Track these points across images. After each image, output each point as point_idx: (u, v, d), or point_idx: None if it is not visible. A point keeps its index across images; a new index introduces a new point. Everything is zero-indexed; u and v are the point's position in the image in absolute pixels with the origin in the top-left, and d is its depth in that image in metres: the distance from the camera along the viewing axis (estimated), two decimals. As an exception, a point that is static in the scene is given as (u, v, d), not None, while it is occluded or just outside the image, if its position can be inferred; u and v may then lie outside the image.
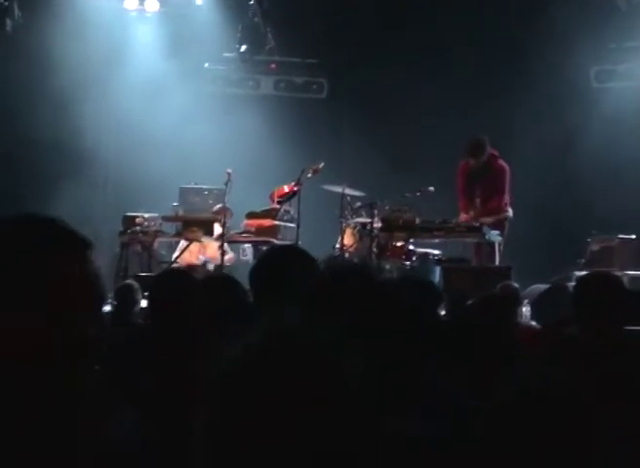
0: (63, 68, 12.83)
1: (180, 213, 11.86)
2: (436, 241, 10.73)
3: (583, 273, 10.74)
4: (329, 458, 1.29)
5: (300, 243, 10.54)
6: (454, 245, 10.93)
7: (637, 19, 13.14)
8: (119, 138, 13.85)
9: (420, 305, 3.53)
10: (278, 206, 11.26)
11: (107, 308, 7.32)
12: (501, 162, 10.47)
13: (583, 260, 11.25)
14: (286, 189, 11.16)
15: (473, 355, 3.58)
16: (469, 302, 4.93)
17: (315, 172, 10.99)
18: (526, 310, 8.43)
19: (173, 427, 2.71)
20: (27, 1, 13.03)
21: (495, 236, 10.26)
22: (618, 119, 12.74)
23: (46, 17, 12.80)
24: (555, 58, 12.89)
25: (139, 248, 11.36)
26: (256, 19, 13.97)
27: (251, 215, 11.40)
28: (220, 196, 11.40)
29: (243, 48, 14.02)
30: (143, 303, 6.50)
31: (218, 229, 11.09)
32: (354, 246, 11.08)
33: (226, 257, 11.11)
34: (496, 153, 10.51)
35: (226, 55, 14.34)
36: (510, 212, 10.59)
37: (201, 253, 11.49)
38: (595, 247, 11.39)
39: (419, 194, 10.67)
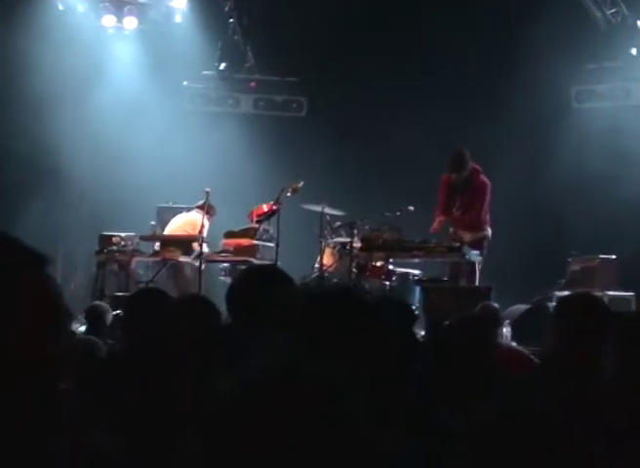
0: (40, 85, 12.77)
1: (158, 232, 11.82)
2: (416, 261, 10.73)
3: (564, 293, 10.81)
4: None
5: (279, 262, 10.52)
6: (433, 264, 10.93)
7: (616, 40, 13.26)
8: (96, 156, 13.79)
9: (396, 325, 3.51)
10: (257, 225, 11.24)
11: (81, 328, 7.30)
12: (483, 177, 10.50)
13: (564, 280, 11.29)
14: (265, 208, 11.14)
15: (452, 376, 3.56)
16: (447, 322, 4.92)
17: (294, 191, 10.98)
18: (506, 331, 8.45)
19: (150, 448, 2.68)
20: (4, 16, 12.98)
21: (475, 256, 10.28)
22: (597, 140, 12.83)
23: (23, 33, 12.75)
24: (536, 79, 12.98)
25: (115, 267, 11.30)
26: (235, 37, 14.00)
27: (229, 235, 11.37)
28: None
29: (222, 66, 14.04)
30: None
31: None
32: (334, 265, 11.07)
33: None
34: (478, 168, 10.53)
35: (206, 72, 14.35)
36: (489, 231, 10.60)
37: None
38: (576, 267, 11.44)
39: (398, 214, 10.69)
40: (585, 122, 13.15)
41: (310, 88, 14.45)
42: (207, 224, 11.23)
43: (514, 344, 7.71)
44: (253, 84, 14.57)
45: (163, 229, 11.99)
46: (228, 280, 10.84)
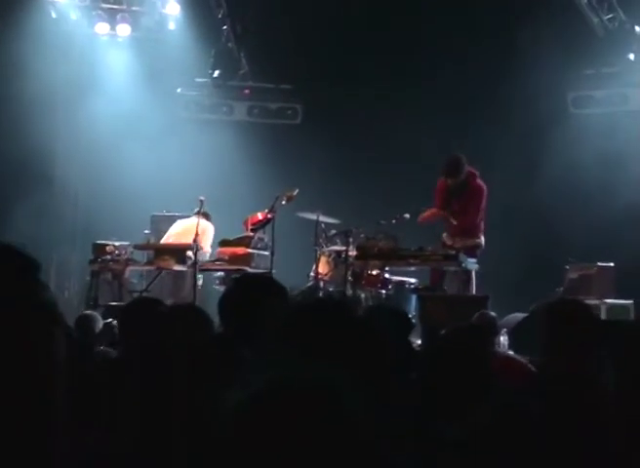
0: (33, 93, 12.81)
1: (152, 241, 11.83)
2: (412, 269, 10.75)
3: (553, 301, 10.83)
4: None
5: (274, 271, 10.54)
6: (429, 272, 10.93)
7: (614, 45, 13.31)
8: (89, 164, 13.81)
9: (391, 334, 3.54)
10: (252, 233, 11.25)
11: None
12: (479, 181, 10.49)
13: (562, 289, 11.30)
14: (260, 216, 11.16)
15: (448, 384, 3.59)
16: (444, 331, 4.94)
17: (289, 199, 11.00)
18: (504, 339, 8.47)
19: (145, 453, 2.71)
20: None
21: (471, 264, 10.28)
22: (594, 145, 12.85)
23: (16, 41, 12.79)
24: (533, 84, 13.01)
25: (109, 276, 11.31)
26: (229, 44, 14.05)
27: (224, 243, 11.39)
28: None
29: (216, 73, 14.09)
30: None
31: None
32: (329, 274, 11.09)
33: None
34: (475, 172, 10.52)
35: (199, 80, 14.39)
36: (482, 239, 10.58)
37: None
38: (573, 275, 11.45)
39: (394, 221, 10.68)
40: (582, 128, 13.17)
41: (305, 95, 14.48)
42: (211, 231, 11.33)
43: (512, 353, 7.72)
44: (247, 91, 14.61)
45: (157, 238, 12.00)
46: (223, 289, 10.86)
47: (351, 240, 10.76)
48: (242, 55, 14.08)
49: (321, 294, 10.81)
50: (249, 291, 3.61)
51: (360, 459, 1.33)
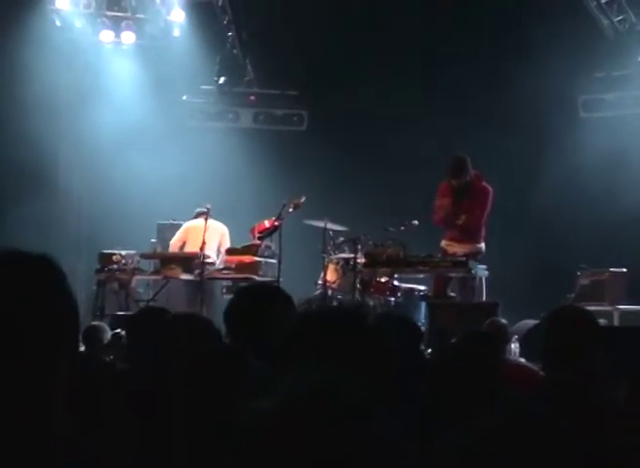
0: (38, 101, 12.88)
1: (158, 249, 11.86)
2: (421, 276, 10.73)
3: (553, 309, 10.81)
4: None
5: (281, 279, 10.57)
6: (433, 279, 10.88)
7: (625, 48, 13.31)
8: (94, 172, 13.87)
9: (400, 343, 3.55)
10: (259, 241, 11.28)
11: (80, 348, 7.37)
12: (485, 183, 10.40)
13: (573, 295, 11.27)
14: (267, 224, 11.18)
15: (459, 392, 3.61)
16: (454, 339, 4.97)
17: (296, 206, 11.01)
18: (515, 346, 8.47)
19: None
20: (0, 34, 13.09)
21: (481, 270, 10.26)
22: (606, 149, 12.84)
23: (21, 49, 12.87)
24: (542, 88, 13.02)
25: (115, 286, 11.34)
26: (234, 51, 14.10)
27: (231, 252, 11.42)
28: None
29: (221, 80, 14.13)
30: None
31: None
32: (337, 282, 11.10)
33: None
34: (480, 174, 10.45)
35: (205, 87, 14.44)
36: (484, 246, 10.48)
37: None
38: (585, 281, 11.42)
39: (403, 228, 10.68)
40: (593, 131, 13.17)
41: (311, 101, 14.51)
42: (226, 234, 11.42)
43: (523, 360, 7.73)
44: (252, 98, 14.65)
45: (163, 246, 12.04)
46: (230, 297, 10.87)
47: (359, 247, 10.76)
48: (247, 61, 14.13)
49: (331, 302, 10.82)
50: (255, 300, 3.64)
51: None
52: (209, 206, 10.97)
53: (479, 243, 10.35)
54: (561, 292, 11.32)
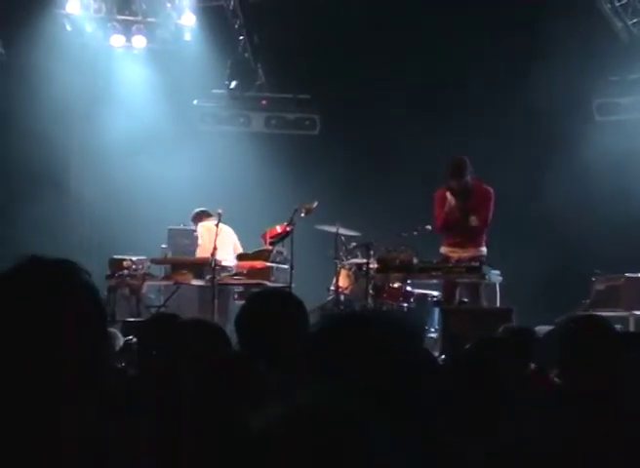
0: (48, 105, 12.94)
1: (169, 255, 11.87)
2: (434, 281, 10.70)
3: (568, 316, 10.76)
4: None
5: (293, 285, 10.56)
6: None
7: (639, 51, 13.29)
8: (105, 177, 13.92)
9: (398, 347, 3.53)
10: (270, 247, 11.28)
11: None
12: (486, 186, 10.37)
13: (589, 301, 11.23)
14: (278, 229, 11.18)
15: (473, 400, 3.60)
16: (468, 345, 4.95)
17: (308, 211, 11.01)
18: (529, 353, 8.43)
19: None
20: (11, 38, 13.16)
21: (495, 276, 10.23)
22: (622, 153, 12.82)
23: (32, 55, 12.93)
24: (556, 92, 12.99)
25: (126, 291, 11.35)
26: (246, 55, 14.12)
27: (242, 257, 11.43)
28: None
29: (233, 84, 14.15)
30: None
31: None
32: (350, 288, 11.09)
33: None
34: (480, 178, 10.40)
35: (216, 91, 14.45)
36: (485, 250, 10.42)
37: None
38: (600, 286, 11.36)
39: (415, 233, 10.64)
40: (608, 135, 13.12)
41: (323, 105, 14.51)
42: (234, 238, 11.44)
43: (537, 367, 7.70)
44: (264, 102, 14.67)
45: (174, 252, 12.05)
46: (242, 303, 10.87)
47: (372, 252, 10.74)
48: (259, 65, 14.14)
49: (343, 309, 10.81)
50: (267, 306, 3.63)
51: None
52: (220, 211, 10.95)
53: (482, 247, 10.30)
54: (576, 297, 11.28)
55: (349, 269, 11.17)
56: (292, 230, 10.96)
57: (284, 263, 11.26)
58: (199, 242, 11.77)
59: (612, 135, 13.03)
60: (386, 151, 13.86)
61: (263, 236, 11.37)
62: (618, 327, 8.31)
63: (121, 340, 7.09)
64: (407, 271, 10.38)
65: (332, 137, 14.11)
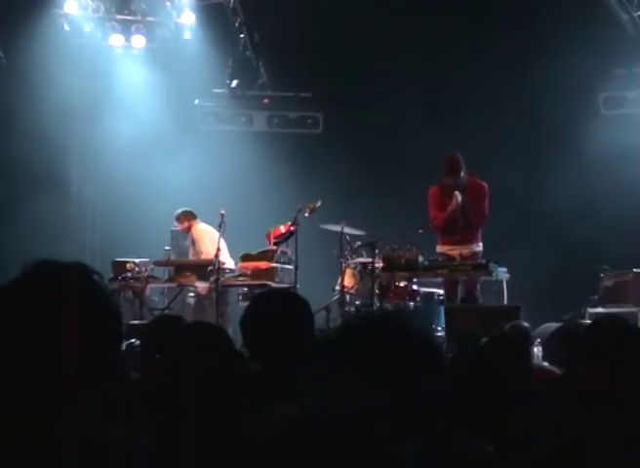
0: (47, 105, 12.95)
1: (172, 257, 11.88)
2: (440, 280, 10.69)
3: (597, 310, 10.76)
4: None
5: (298, 285, 10.57)
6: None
7: (645, 43, 13.27)
8: (106, 179, 13.93)
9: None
10: (275, 247, 11.29)
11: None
12: (480, 180, 10.40)
13: (597, 297, 11.23)
14: (282, 229, 11.19)
15: (484, 399, 3.59)
16: (481, 343, 4.95)
17: (312, 211, 11.00)
18: (537, 350, 8.44)
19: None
20: (10, 41, 13.17)
21: (502, 273, 10.24)
22: (628, 147, 12.80)
23: (30, 55, 12.94)
24: (562, 85, 12.98)
25: (130, 294, 11.37)
26: (247, 53, 14.11)
27: (246, 258, 11.43)
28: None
29: (234, 83, 14.13)
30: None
31: None
32: (355, 287, 11.09)
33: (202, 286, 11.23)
34: (473, 173, 10.43)
35: (217, 90, 14.45)
36: (481, 247, 10.45)
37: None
38: (608, 282, 11.36)
39: (421, 231, 10.63)
40: (614, 129, 13.10)
41: (326, 103, 14.50)
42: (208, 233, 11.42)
43: (546, 364, 7.70)
44: (266, 100, 14.66)
45: (177, 254, 12.05)
46: (246, 304, 10.86)
47: (377, 251, 10.74)
48: (260, 63, 14.13)
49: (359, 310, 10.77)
50: (272, 306, 3.63)
51: None
52: (223, 211, 10.94)
53: (480, 242, 10.34)
54: (584, 294, 11.28)
55: (354, 268, 11.17)
56: (296, 230, 10.96)
57: (288, 264, 11.27)
58: (199, 246, 11.74)
59: (618, 129, 13.01)
60: (390, 149, 13.84)
61: (267, 236, 11.38)
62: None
63: (123, 343, 7.10)
64: (412, 270, 10.39)
65: (335, 136, 14.09)
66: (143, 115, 13.64)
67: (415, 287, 10.77)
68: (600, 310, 10.81)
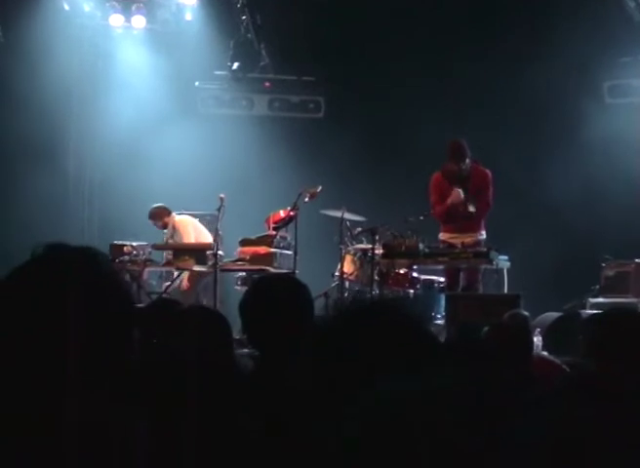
0: (46, 86, 12.92)
1: (171, 240, 11.87)
2: (440, 267, 10.70)
3: (598, 300, 10.76)
4: None
5: (297, 271, 10.56)
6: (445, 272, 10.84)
7: (652, 31, 13.22)
8: (104, 161, 13.90)
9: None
10: (274, 232, 11.28)
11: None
12: (483, 168, 10.41)
13: (598, 287, 11.23)
14: (282, 214, 11.19)
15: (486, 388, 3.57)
16: (482, 332, 4.94)
17: (313, 196, 11.00)
18: (537, 340, 8.44)
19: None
20: (9, 20, 13.12)
21: (503, 262, 10.24)
22: (633, 136, 12.78)
23: (29, 35, 12.90)
24: (566, 74, 12.95)
25: (127, 278, 11.36)
26: (249, 35, 14.04)
27: (245, 243, 11.42)
28: (213, 222, 11.41)
29: (235, 65, 14.07)
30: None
31: None
32: (355, 273, 11.09)
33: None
34: (477, 160, 10.44)
35: (218, 73, 14.39)
36: (485, 235, 10.45)
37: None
38: (610, 272, 11.37)
39: (422, 218, 10.64)
40: (619, 117, 13.06)
41: (328, 87, 14.44)
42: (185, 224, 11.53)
43: (546, 354, 7.71)
44: (267, 84, 14.60)
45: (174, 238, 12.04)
46: (244, 289, 10.86)
47: (377, 238, 10.74)
48: (262, 46, 14.06)
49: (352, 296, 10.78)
50: (270, 290, 3.61)
51: None
52: (223, 195, 10.91)
53: (482, 231, 10.36)
54: (584, 283, 11.29)
55: (354, 255, 11.16)
56: (296, 215, 10.96)
57: (288, 249, 11.26)
58: (181, 238, 11.75)
59: (623, 117, 12.99)
60: (393, 134, 13.81)
61: (267, 221, 11.38)
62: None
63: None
64: (413, 257, 10.40)
65: (337, 120, 14.04)
66: (143, 96, 13.61)
67: (415, 274, 10.77)
68: (601, 300, 10.83)
